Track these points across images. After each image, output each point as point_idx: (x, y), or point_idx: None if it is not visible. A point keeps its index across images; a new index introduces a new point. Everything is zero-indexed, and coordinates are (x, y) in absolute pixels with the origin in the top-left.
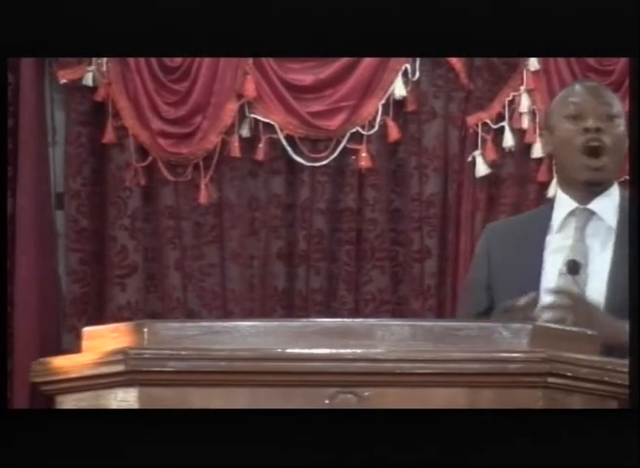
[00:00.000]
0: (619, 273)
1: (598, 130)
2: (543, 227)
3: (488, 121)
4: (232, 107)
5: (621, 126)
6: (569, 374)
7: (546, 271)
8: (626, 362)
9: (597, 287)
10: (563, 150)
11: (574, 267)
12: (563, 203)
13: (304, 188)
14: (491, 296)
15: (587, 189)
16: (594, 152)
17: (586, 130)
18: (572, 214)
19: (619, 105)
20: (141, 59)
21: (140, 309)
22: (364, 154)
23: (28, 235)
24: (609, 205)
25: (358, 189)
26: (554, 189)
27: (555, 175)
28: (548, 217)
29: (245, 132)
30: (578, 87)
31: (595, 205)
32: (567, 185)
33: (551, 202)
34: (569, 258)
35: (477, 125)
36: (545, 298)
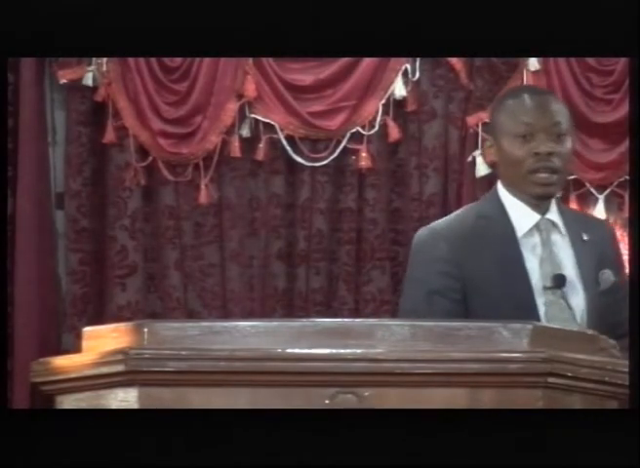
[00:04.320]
0: (592, 290)
1: (549, 154)
2: (508, 235)
3: (488, 121)
4: (232, 107)
5: (569, 142)
6: (569, 374)
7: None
8: (626, 362)
9: (578, 302)
10: (511, 167)
11: (561, 281)
12: (521, 211)
13: (304, 188)
14: (465, 307)
15: (536, 200)
16: (544, 177)
17: (537, 154)
18: (536, 224)
19: (568, 120)
20: (141, 59)
21: (140, 309)
22: (364, 154)
23: (28, 235)
24: (559, 216)
25: (358, 189)
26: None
27: (501, 180)
28: (507, 224)
29: (245, 132)
30: (528, 100)
31: (553, 215)
32: (517, 193)
33: (494, 202)
34: (555, 273)
35: (477, 125)
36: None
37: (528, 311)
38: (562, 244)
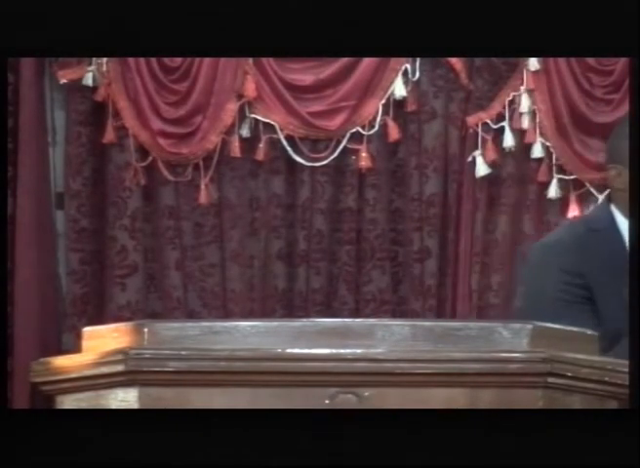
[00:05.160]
0: None
1: None
2: (619, 248)
3: (488, 121)
4: (232, 107)
5: None
6: (569, 374)
7: None
8: (626, 362)
9: None
10: None
11: None
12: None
13: (304, 188)
14: (595, 313)
15: None
16: None
17: None
18: None
19: None
20: (141, 59)
21: (140, 309)
22: (364, 154)
23: (28, 235)
24: None
25: (358, 189)
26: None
27: (621, 206)
28: (619, 239)
29: (245, 132)
30: None
31: None
32: None
33: (605, 217)
34: None
35: (477, 125)
36: None
37: None
38: None
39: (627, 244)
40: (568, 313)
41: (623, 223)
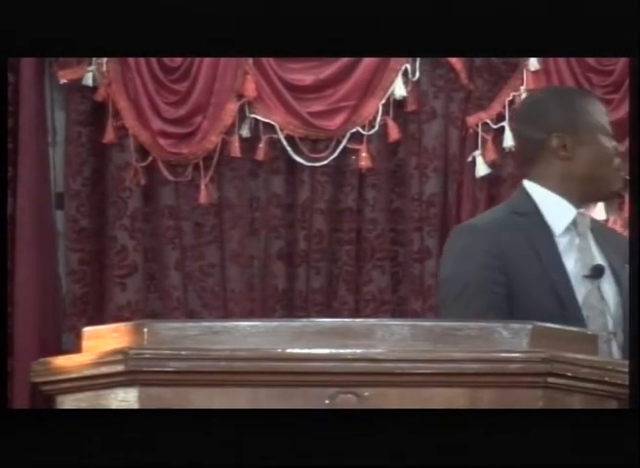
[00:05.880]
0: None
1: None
2: (543, 229)
3: (488, 121)
4: (232, 107)
5: None
6: (569, 374)
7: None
8: (626, 362)
9: (607, 289)
10: (599, 165)
11: (599, 271)
12: (558, 206)
13: (304, 188)
14: (508, 302)
15: (608, 198)
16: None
17: (620, 152)
18: (574, 219)
19: None
20: (141, 59)
21: (140, 309)
22: (364, 154)
23: (28, 235)
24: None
25: (358, 189)
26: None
27: (554, 177)
28: (542, 220)
29: (245, 132)
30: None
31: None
32: (574, 191)
33: (524, 199)
34: (595, 263)
35: (477, 125)
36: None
37: (568, 301)
38: (591, 236)
39: (553, 228)
40: (481, 299)
41: (555, 203)
